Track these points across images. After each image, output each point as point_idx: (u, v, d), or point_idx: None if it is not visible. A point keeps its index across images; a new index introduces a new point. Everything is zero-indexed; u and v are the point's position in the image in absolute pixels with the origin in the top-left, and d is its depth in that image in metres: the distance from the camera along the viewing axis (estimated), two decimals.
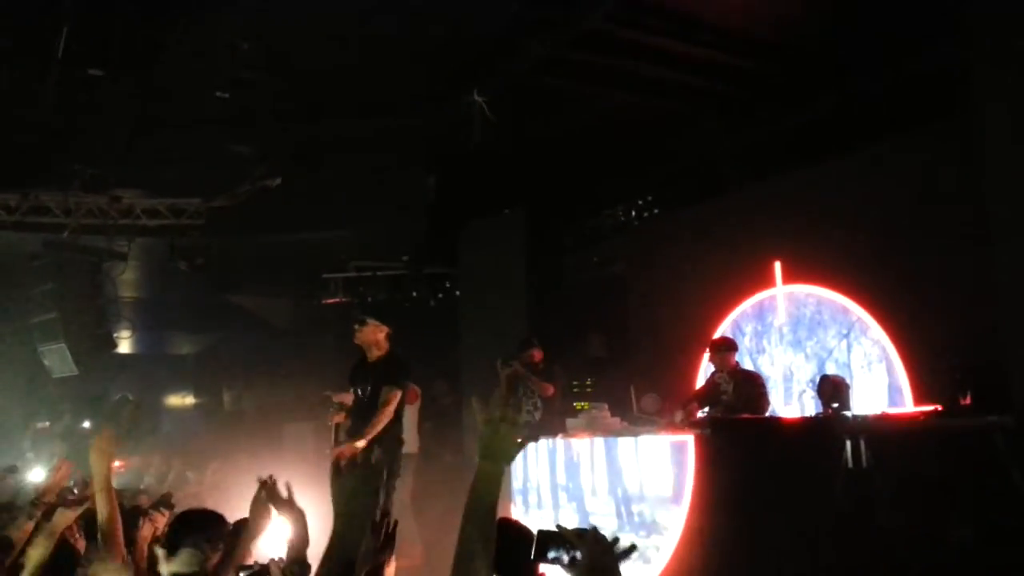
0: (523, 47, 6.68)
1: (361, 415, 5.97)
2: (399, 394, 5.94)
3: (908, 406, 6.34)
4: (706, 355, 7.32)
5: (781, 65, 7.08)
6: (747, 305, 7.94)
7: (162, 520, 3.83)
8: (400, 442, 6.15)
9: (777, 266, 7.61)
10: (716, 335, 7.66)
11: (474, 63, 7.06)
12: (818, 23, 6.51)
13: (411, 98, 7.74)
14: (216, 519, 3.29)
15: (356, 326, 6.16)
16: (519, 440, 2.04)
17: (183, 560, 3.04)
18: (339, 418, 6.14)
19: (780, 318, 7.62)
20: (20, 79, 6.34)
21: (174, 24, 5.88)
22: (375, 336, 6.12)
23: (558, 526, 2.18)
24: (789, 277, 7.56)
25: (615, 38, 6.61)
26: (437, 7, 6.10)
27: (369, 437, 5.74)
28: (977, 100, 5.62)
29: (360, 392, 6.13)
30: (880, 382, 6.76)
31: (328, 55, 6.82)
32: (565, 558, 2.12)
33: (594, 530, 2.14)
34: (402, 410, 6.13)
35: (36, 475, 7.93)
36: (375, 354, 6.13)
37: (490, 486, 2.00)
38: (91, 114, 7.16)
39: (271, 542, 3.12)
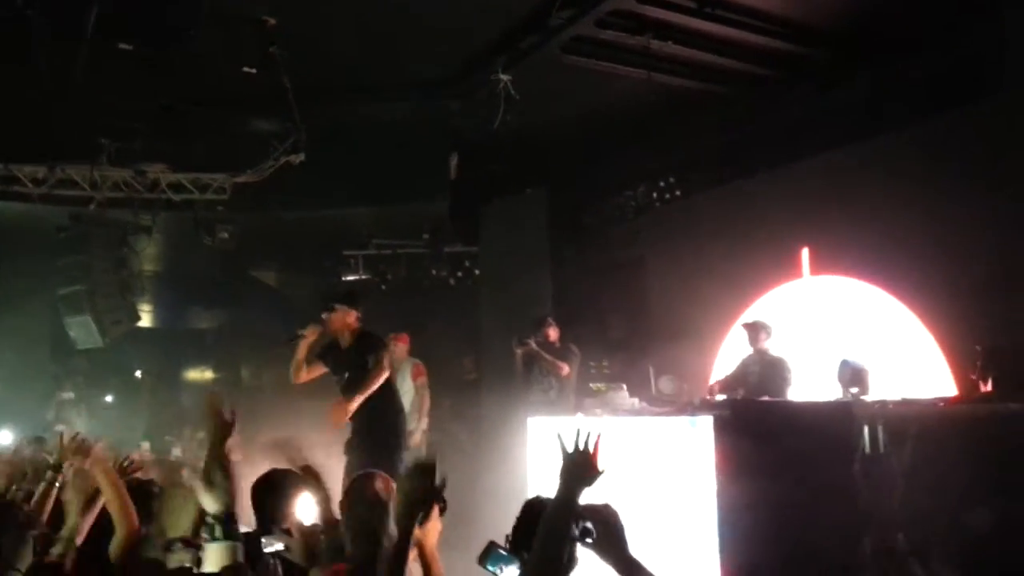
0: (549, 26, 6.65)
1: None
2: (385, 356, 5.98)
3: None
4: (741, 337, 7.25)
5: (812, 46, 7.02)
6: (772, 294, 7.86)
7: None
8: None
9: (805, 253, 7.50)
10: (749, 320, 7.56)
11: (499, 41, 7.05)
12: (849, 3, 6.45)
13: (435, 76, 7.74)
14: (297, 480, 3.28)
15: (323, 315, 6.05)
16: (594, 468, 2.18)
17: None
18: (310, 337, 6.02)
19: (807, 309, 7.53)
20: (50, 52, 6.39)
21: None
22: (344, 321, 6.05)
23: None
24: (817, 266, 7.43)
25: (642, 17, 6.58)
26: None
27: (362, 397, 5.74)
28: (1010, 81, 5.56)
29: (340, 377, 6.07)
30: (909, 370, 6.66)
31: (355, 32, 6.84)
32: (574, 530, 2.14)
33: (606, 506, 2.18)
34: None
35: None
36: (348, 339, 6.07)
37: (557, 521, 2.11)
38: (119, 88, 7.23)
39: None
